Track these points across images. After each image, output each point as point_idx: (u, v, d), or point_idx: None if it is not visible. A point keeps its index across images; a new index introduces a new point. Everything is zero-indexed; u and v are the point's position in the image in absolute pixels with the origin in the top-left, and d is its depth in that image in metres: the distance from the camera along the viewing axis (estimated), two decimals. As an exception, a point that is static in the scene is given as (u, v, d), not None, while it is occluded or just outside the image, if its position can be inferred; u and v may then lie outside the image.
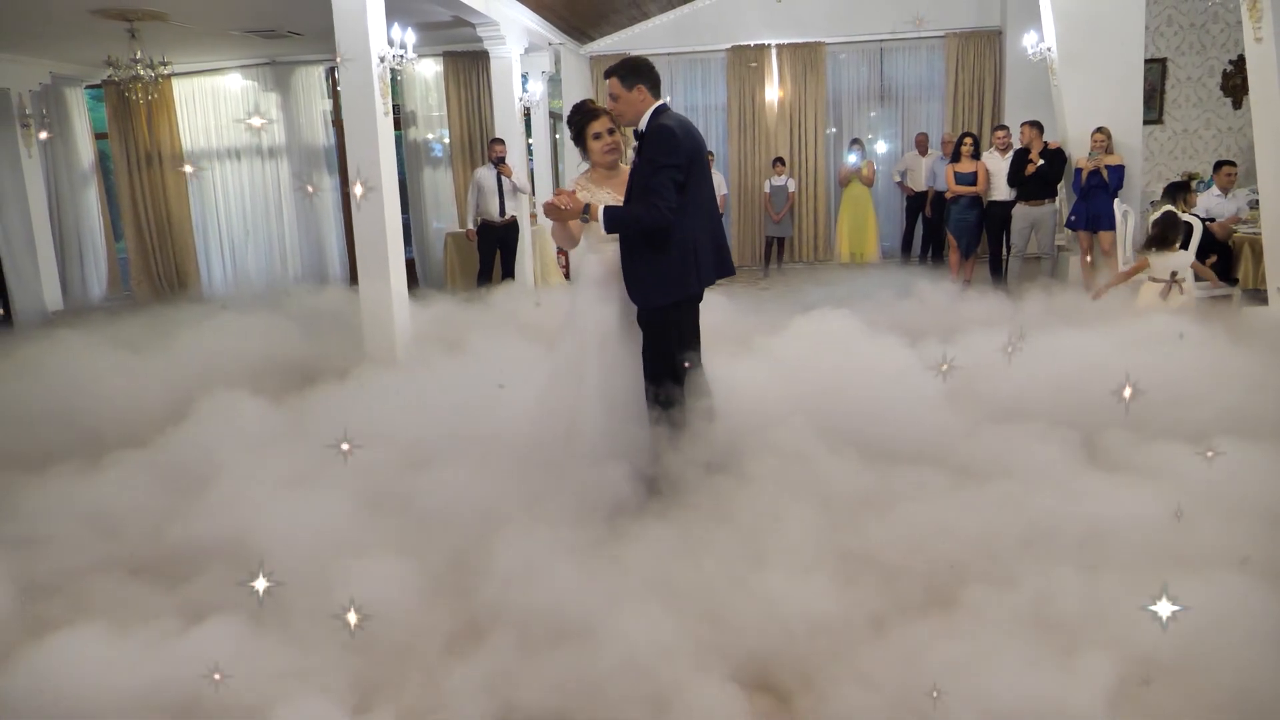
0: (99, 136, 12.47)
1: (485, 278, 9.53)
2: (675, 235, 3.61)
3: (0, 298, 10.27)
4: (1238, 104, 11.09)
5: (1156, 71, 11.14)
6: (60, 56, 10.53)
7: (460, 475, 3.68)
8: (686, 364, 3.67)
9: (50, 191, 11.27)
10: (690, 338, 3.81)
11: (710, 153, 3.85)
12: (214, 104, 12.13)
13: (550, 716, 2.46)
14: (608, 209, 3.54)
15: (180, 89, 11.99)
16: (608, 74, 3.76)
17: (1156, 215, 7.12)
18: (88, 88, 12.14)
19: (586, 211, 3.55)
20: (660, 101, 3.73)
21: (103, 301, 11.85)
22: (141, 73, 8.76)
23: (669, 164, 3.52)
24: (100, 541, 3.46)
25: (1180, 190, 7.01)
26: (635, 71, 3.69)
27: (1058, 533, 3.09)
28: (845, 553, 3.10)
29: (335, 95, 11.41)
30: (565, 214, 3.55)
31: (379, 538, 3.27)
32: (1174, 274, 6.03)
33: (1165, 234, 6.07)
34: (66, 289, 11.24)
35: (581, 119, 3.82)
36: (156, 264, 12.41)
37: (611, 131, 3.80)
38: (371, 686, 2.62)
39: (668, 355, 3.67)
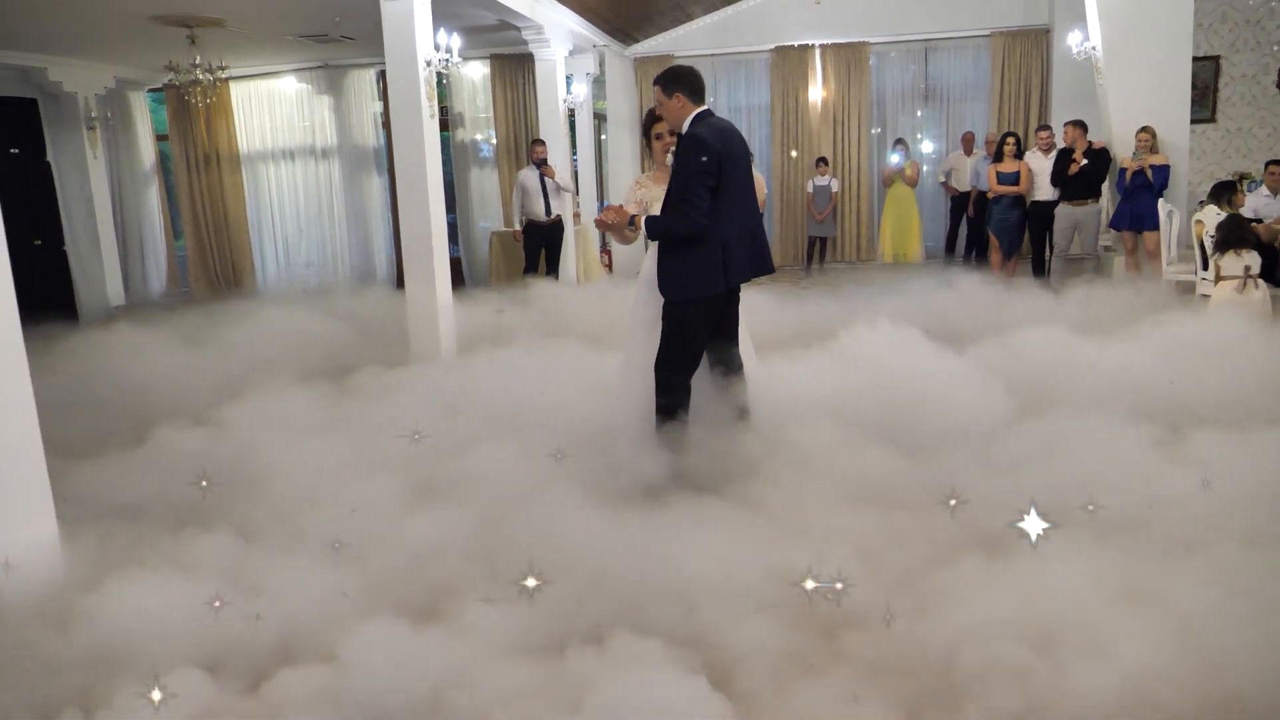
0: (160, 138, 12.91)
1: (530, 271, 9.75)
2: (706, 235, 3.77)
3: (65, 293, 10.67)
4: (1293, 102, 10.87)
5: (1209, 69, 10.94)
6: (124, 61, 10.92)
7: (503, 456, 3.94)
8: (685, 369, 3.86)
9: (114, 191, 11.69)
10: (713, 335, 3.95)
11: (750, 154, 4.12)
12: (269, 106, 12.50)
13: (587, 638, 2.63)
14: (648, 219, 3.82)
15: (237, 92, 12.37)
16: (654, 83, 3.96)
17: (1199, 215, 7.05)
18: (149, 91, 12.58)
19: (632, 222, 3.87)
20: (701, 108, 3.88)
21: (162, 297, 12.27)
22: (200, 77, 9.09)
23: (699, 171, 3.69)
24: (166, 510, 3.66)
25: (1226, 190, 6.95)
26: (675, 80, 3.86)
27: (1070, 520, 3.14)
28: (857, 534, 3.20)
29: (386, 98, 11.67)
30: (613, 226, 3.90)
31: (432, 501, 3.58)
32: (1247, 269, 6.02)
33: (1229, 237, 6.08)
34: (128, 285, 11.66)
35: (648, 122, 4.18)
36: (214, 261, 12.80)
37: (672, 133, 4.04)
38: (429, 610, 2.88)
39: (679, 350, 3.84)
